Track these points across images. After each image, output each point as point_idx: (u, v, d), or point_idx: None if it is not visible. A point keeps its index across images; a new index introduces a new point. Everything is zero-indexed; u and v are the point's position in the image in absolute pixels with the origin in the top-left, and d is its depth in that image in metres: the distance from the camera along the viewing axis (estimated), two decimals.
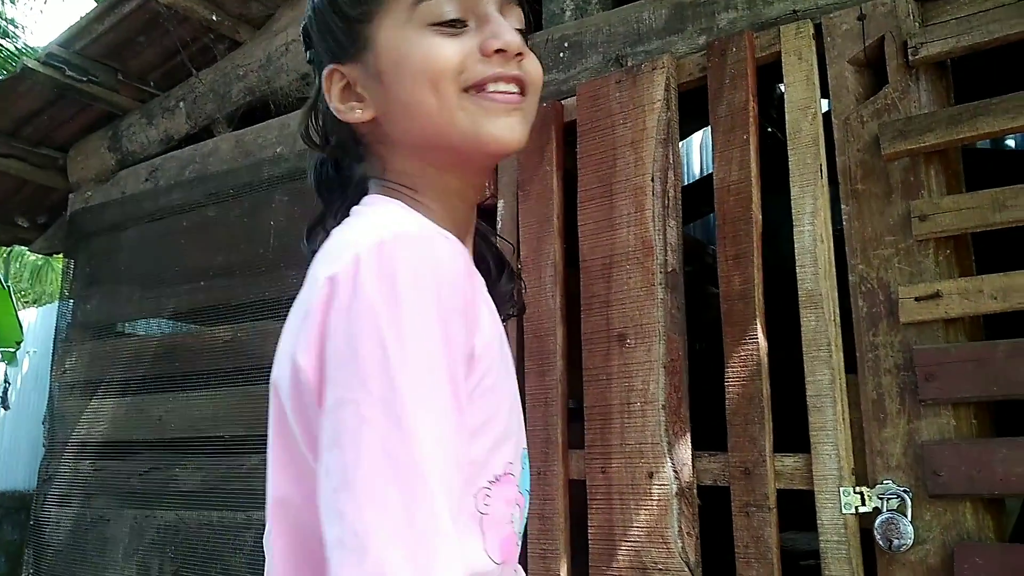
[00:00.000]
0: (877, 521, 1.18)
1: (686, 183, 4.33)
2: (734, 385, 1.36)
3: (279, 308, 2.06)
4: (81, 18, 2.46)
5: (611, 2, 1.78)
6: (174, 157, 2.51)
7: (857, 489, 1.22)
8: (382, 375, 0.56)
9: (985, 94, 1.23)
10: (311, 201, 1.95)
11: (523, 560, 1.49)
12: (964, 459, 1.16)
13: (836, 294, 1.32)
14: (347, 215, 0.71)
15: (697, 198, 2.49)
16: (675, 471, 1.39)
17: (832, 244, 1.33)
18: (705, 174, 3.79)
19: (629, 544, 1.41)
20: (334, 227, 0.68)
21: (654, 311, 1.47)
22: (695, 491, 1.38)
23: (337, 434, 0.56)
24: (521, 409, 0.75)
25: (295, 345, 0.60)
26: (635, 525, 1.41)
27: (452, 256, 0.64)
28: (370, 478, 0.55)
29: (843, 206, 1.34)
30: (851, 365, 1.29)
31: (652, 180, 1.51)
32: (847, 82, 1.37)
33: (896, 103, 1.31)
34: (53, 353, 2.69)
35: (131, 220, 2.57)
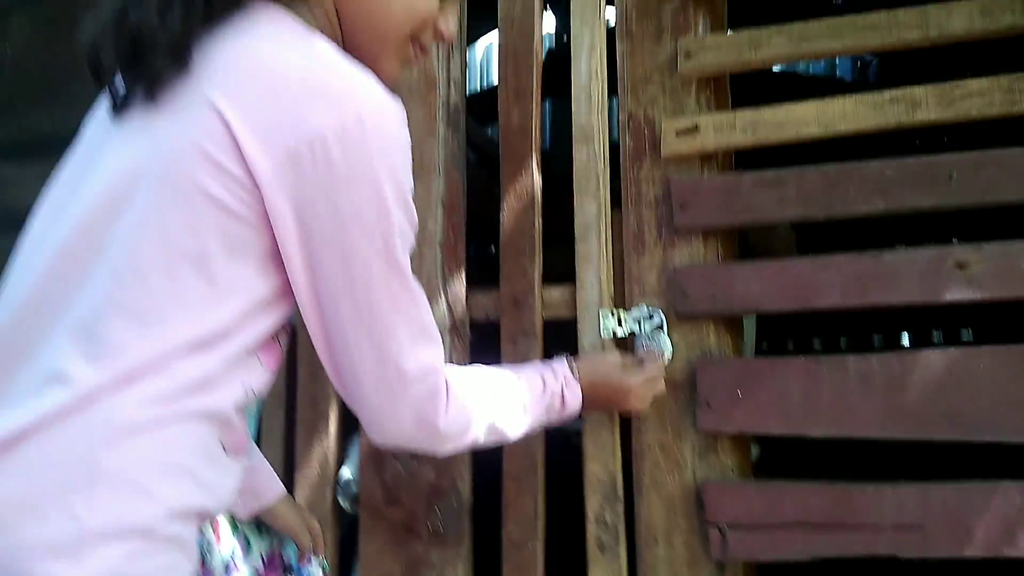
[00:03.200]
0: (638, 339, 1.23)
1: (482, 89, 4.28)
2: (508, 218, 1.35)
3: (14, 150, 1.79)
4: None
5: None
6: None
7: (614, 312, 1.26)
8: (388, 241, 0.70)
9: None
10: (57, 28, 1.67)
11: (289, 405, 1.42)
12: (709, 281, 1.22)
13: (607, 130, 1.33)
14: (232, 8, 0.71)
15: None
16: (448, 306, 1.37)
17: (606, 81, 1.34)
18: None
19: None
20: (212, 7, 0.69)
21: (435, 148, 1.41)
22: (468, 326, 1.37)
23: (355, 277, 0.70)
24: None
25: (250, 135, 0.65)
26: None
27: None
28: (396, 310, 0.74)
29: (618, 44, 1.34)
30: (616, 201, 1.32)
31: None
32: None
33: None
34: None
35: None
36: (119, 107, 0.72)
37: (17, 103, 1.80)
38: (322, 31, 0.76)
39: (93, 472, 0.63)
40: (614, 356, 1.16)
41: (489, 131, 3.12)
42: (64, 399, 0.63)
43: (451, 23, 0.84)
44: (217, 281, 0.67)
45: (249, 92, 0.67)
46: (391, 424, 0.78)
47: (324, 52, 0.71)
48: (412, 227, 0.75)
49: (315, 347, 0.76)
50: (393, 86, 0.75)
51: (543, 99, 1.40)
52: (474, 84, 4.36)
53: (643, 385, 1.12)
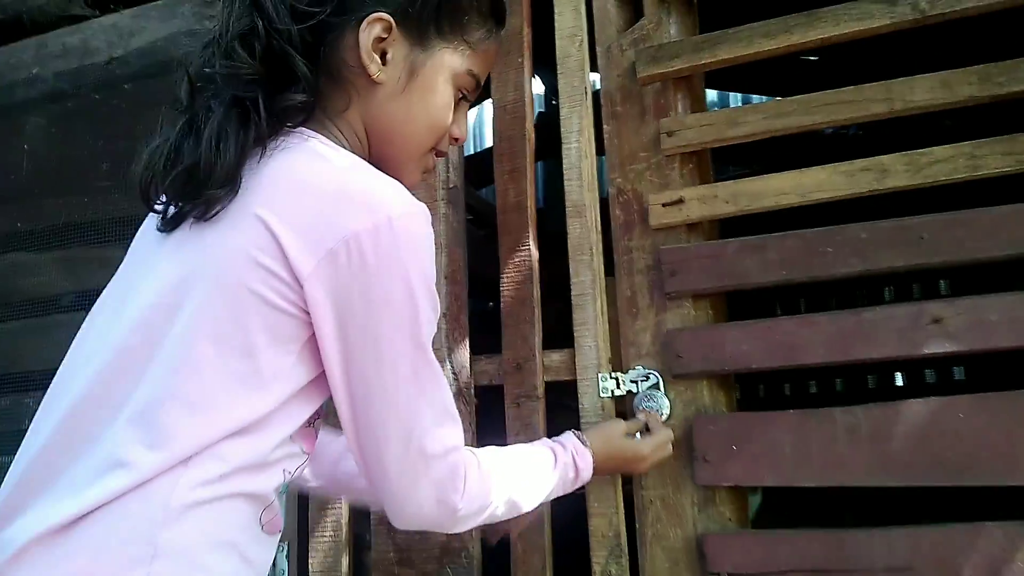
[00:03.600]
0: (636, 398, 1.29)
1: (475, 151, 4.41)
2: (508, 290, 1.43)
3: (32, 239, 1.87)
4: None
5: None
6: None
7: (612, 375, 1.32)
8: (415, 332, 0.77)
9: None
10: (75, 126, 1.82)
11: None
12: (700, 342, 1.29)
13: (598, 205, 1.42)
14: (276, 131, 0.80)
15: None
16: (454, 373, 1.44)
17: (595, 160, 1.44)
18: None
19: None
20: (263, 133, 0.78)
21: (437, 225, 1.49)
22: (472, 390, 1.43)
23: (383, 365, 0.77)
24: None
25: (294, 240, 0.73)
26: None
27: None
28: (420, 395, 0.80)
29: (605, 126, 1.44)
30: (610, 268, 1.40)
31: None
32: (609, 14, 1.47)
33: (651, 34, 1.43)
34: None
35: None
36: (170, 224, 0.80)
37: (34, 195, 1.88)
38: (352, 149, 0.85)
39: (154, 549, 0.69)
40: (620, 425, 1.20)
41: (484, 192, 3.24)
42: (126, 482, 0.70)
43: (463, 128, 0.93)
44: (262, 371, 0.74)
45: (290, 203, 0.75)
46: (412, 505, 0.82)
47: (355, 163, 0.80)
48: (435, 314, 0.81)
49: (344, 432, 0.81)
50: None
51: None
52: (468, 146, 4.49)
53: (654, 452, 1.18)
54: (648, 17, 1.44)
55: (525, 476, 0.99)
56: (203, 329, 0.73)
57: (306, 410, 0.81)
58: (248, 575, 0.78)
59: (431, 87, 0.87)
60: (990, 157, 1.20)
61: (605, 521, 1.28)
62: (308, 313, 0.75)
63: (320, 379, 0.80)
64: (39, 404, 0.82)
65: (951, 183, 1.23)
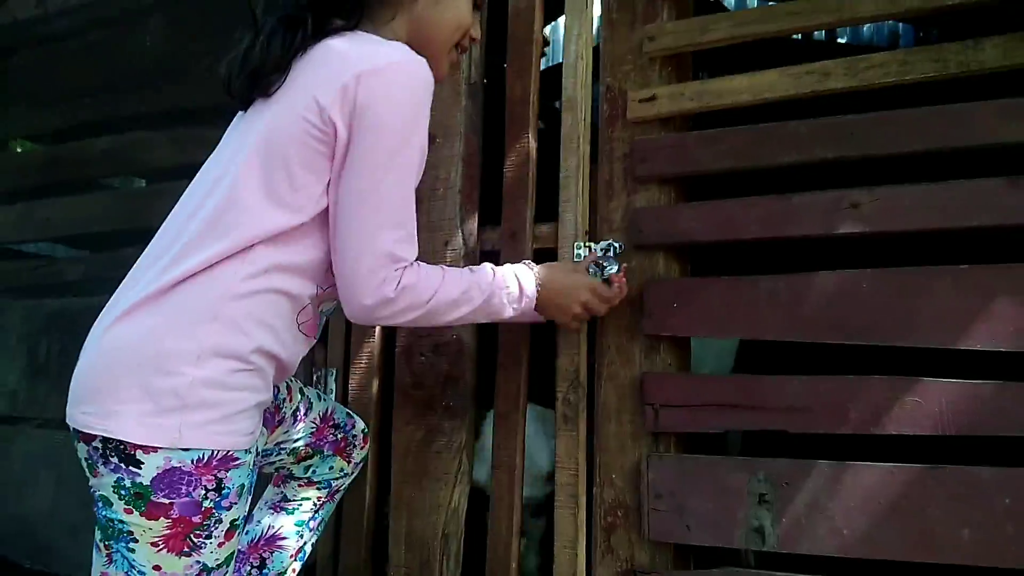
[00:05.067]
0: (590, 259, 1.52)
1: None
2: (510, 171, 1.67)
3: (153, 120, 2.26)
4: None
5: None
6: None
7: (586, 244, 1.56)
8: (402, 158, 1.04)
9: None
10: (188, 24, 2.22)
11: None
12: (658, 219, 1.51)
13: (590, 101, 1.63)
14: (323, 36, 1.08)
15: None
16: (463, 240, 1.71)
17: (591, 61, 1.63)
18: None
19: None
20: (307, 39, 1.08)
21: (458, 115, 1.75)
22: (477, 254, 1.71)
23: (365, 171, 1.03)
24: None
25: (322, 95, 1.02)
26: None
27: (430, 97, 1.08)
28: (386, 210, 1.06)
29: (602, 31, 1.64)
30: (595, 156, 1.62)
31: None
32: None
33: None
34: None
35: (20, 44, 2.65)
36: (245, 104, 1.11)
37: (154, 83, 2.26)
38: (393, 38, 1.13)
39: (213, 315, 1.01)
40: (575, 264, 1.42)
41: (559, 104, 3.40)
42: (202, 261, 1.01)
43: (477, 28, 1.22)
44: (297, 187, 1.03)
45: (324, 70, 1.04)
46: (354, 294, 1.05)
47: (373, 38, 1.08)
48: (421, 153, 1.08)
49: (330, 237, 1.07)
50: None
51: None
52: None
53: (595, 285, 1.34)
54: None
55: (453, 288, 1.16)
56: (255, 162, 1.04)
57: (327, 234, 1.08)
58: (278, 349, 1.07)
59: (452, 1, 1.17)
60: (919, 63, 1.34)
61: (569, 359, 1.55)
62: (333, 147, 1.03)
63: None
64: None
65: (884, 86, 1.37)
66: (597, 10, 1.65)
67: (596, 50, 1.63)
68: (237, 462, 1.03)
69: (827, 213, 1.38)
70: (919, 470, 1.29)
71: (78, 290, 2.35)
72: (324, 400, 1.46)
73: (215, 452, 1.00)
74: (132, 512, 0.98)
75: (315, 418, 1.41)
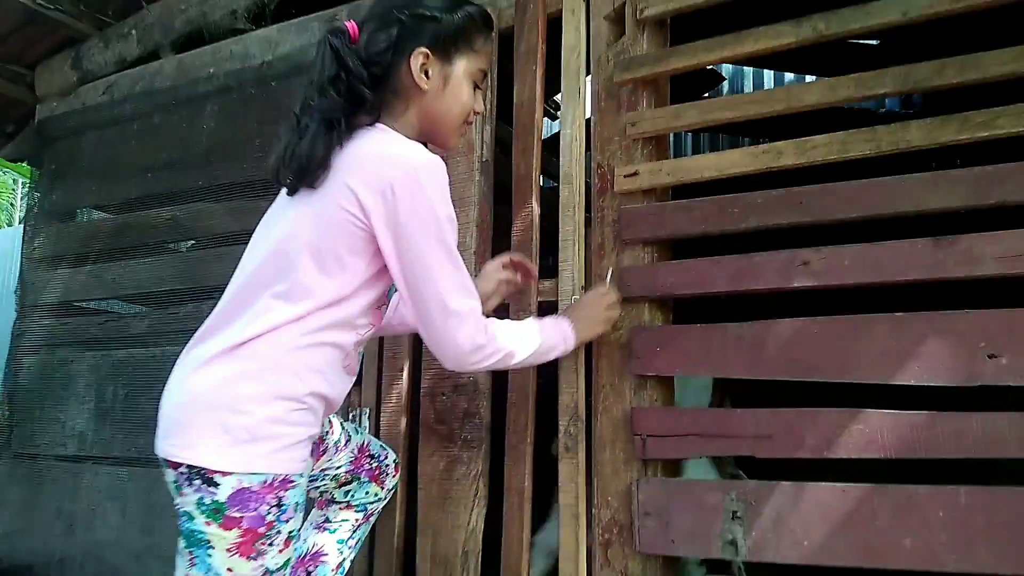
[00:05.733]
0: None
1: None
2: (517, 235, 1.93)
3: (209, 193, 2.56)
4: None
5: None
6: (126, 75, 2.93)
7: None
8: (446, 231, 1.25)
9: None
10: (238, 111, 2.65)
11: (379, 361, 2.04)
12: (641, 275, 1.75)
13: (584, 175, 1.89)
14: (353, 131, 1.28)
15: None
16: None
17: (584, 142, 1.90)
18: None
19: None
20: (342, 137, 1.27)
21: (472, 188, 2.03)
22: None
23: (433, 258, 1.25)
24: None
25: (363, 195, 1.22)
26: None
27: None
28: (450, 277, 1.28)
29: (592, 117, 1.91)
30: (588, 221, 1.87)
31: None
32: (601, 32, 1.92)
33: (629, 47, 1.87)
34: (22, 241, 3.12)
35: (90, 127, 2.98)
36: (293, 191, 1.31)
37: (212, 161, 2.57)
38: (408, 135, 1.31)
39: (276, 365, 1.23)
40: (591, 298, 1.69)
41: None
42: (267, 327, 1.23)
43: (480, 104, 1.40)
44: (345, 267, 1.26)
45: (360, 168, 1.23)
46: (450, 347, 1.28)
47: (399, 139, 1.28)
48: (453, 226, 1.26)
49: (404, 303, 1.32)
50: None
51: None
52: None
53: (599, 299, 1.65)
54: (628, 35, 1.88)
55: (521, 334, 1.41)
56: (309, 248, 1.25)
57: (372, 294, 1.31)
58: (327, 390, 1.30)
59: (458, 86, 1.35)
60: (856, 143, 1.58)
61: (570, 396, 1.79)
62: (374, 235, 1.24)
63: (381, 274, 1.28)
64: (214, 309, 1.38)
65: (827, 163, 1.61)
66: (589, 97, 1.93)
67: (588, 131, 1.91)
68: (293, 484, 1.24)
69: (783, 269, 1.61)
70: (867, 488, 1.50)
71: (141, 342, 2.63)
72: (360, 433, 1.69)
73: (277, 476, 1.21)
74: (211, 524, 1.18)
75: (353, 448, 1.62)
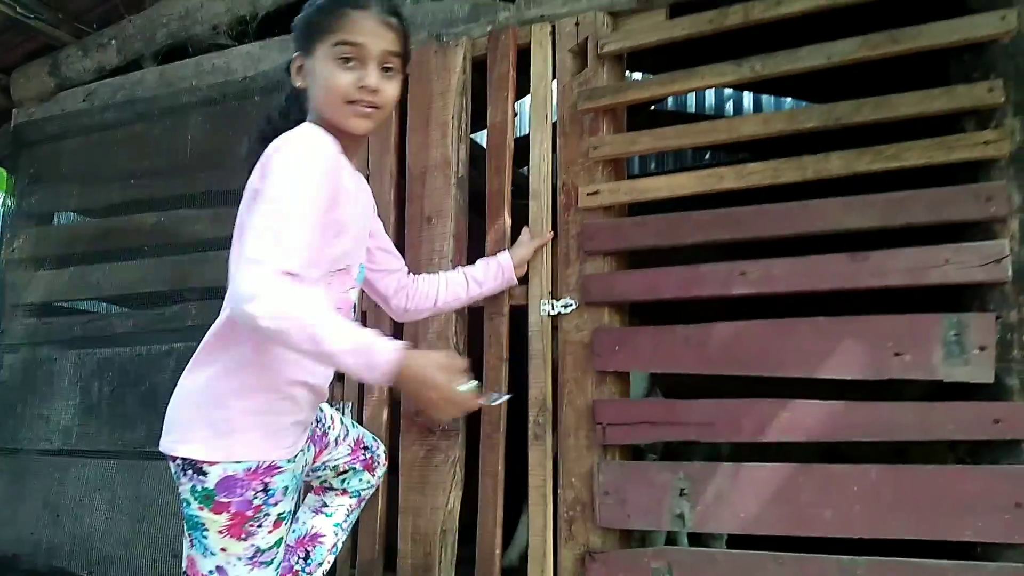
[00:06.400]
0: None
1: None
2: (490, 245, 2.12)
3: (193, 200, 2.69)
4: None
5: None
6: (107, 84, 3.02)
7: (550, 301, 2.01)
8: (284, 195, 1.19)
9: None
10: (221, 123, 2.85)
11: None
12: (602, 283, 1.96)
13: (551, 192, 2.09)
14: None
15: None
16: None
17: (552, 162, 2.10)
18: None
19: (427, 343, 2.17)
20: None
21: (449, 201, 2.21)
22: (466, 310, 2.15)
23: (258, 215, 1.18)
24: (364, 241, 1.49)
25: (255, 177, 1.26)
26: (430, 331, 2.17)
27: (328, 152, 1.27)
28: (263, 232, 1.17)
29: (558, 140, 2.11)
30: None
31: (452, 118, 2.23)
32: (566, 64, 2.12)
33: (590, 79, 2.07)
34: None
35: (70, 132, 3.06)
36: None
37: (195, 170, 2.69)
38: (322, 127, 1.32)
39: (251, 360, 1.29)
40: (445, 358, 1.22)
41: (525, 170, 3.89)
42: (233, 322, 1.32)
43: (369, 79, 1.31)
44: None
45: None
46: (234, 290, 1.15)
47: (296, 129, 1.28)
48: (310, 193, 1.20)
49: None
50: (365, 132, 1.34)
51: None
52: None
53: (449, 391, 1.20)
54: (590, 68, 2.08)
55: (321, 321, 1.15)
56: (239, 241, 1.31)
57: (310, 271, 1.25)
58: (308, 378, 1.34)
59: (321, 72, 1.33)
60: (786, 171, 1.82)
61: (538, 389, 1.99)
62: None
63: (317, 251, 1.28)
64: (198, 310, 1.49)
65: (762, 186, 1.84)
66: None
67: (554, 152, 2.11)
68: (280, 469, 1.31)
69: (724, 279, 1.84)
70: (794, 467, 1.74)
71: (126, 341, 2.74)
72: (356, 428, 1.83)
73: (262, 463, 1.28)
74: (204, 509, 1.26)
75: (351, 442, 1.71)
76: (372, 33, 1.32)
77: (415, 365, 1.18)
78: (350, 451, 1.71)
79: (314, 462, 1.62)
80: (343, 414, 1.99)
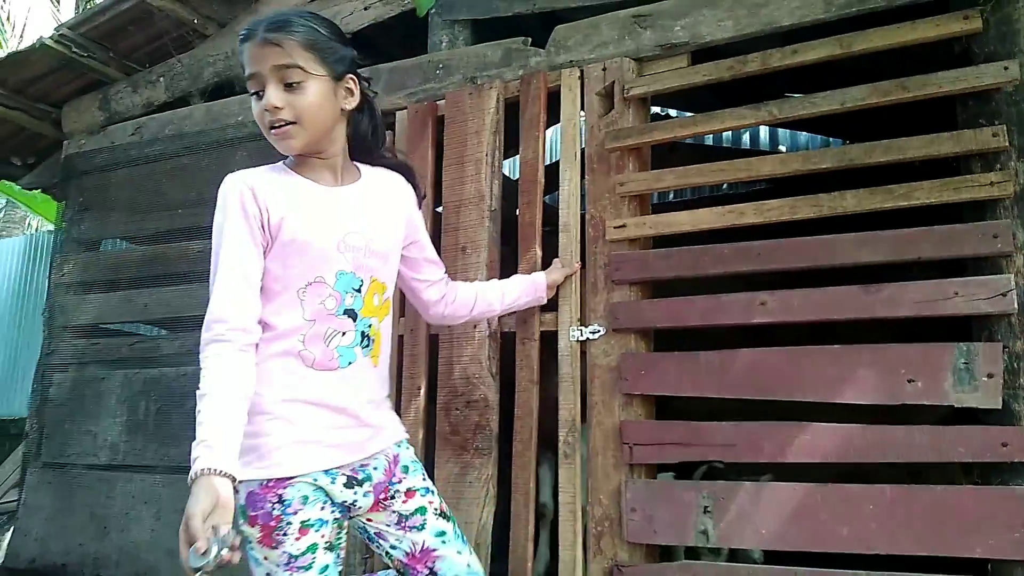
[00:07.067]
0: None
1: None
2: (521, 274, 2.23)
3: None
4: (87, 8, 3.08)
5: (471, 40, 2.60)
6: (155, 119, 3.17)
7: (578, 327, 2.12)
8: (215, 249, 1.39)
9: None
10: (266, 156, 2.97)
11: (399, 381, 2.31)
12: (629, 311, 2.07)
13: (579, 224, 2.20)
14: None
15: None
16: (488, 323, 2.26)
17: (580, 197, 2.22)
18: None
19: (461, 366, 2.27)
20: None
21: (483, 233, 2.32)
22: (499, 335, 2.26)
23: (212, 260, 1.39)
24: (350, 249, 1.46)
25: None
26: (464, 355, 2.27)
27: (237, 190, 1.41)
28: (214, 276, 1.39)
29: (586, 176, 2.22)
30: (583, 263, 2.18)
31: (486, 155, 2.35)
32: (594, 106, 2.24)
33: (617, 120, 2.19)
34: (50, 268, 3.32)
35: (119, 164, 3.20)
36: None
37: None
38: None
39: (253, 390, 1.38)
40: (218, 491, 1.20)
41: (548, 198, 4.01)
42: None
43: (268, 99, 1.38)
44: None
45: None
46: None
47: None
48: (226, 237, 1.37)
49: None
50: (293, 151, 1.44)
51: None
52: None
53: (191, 527, 1.15)
54: (616, 109, 2.20)
55: (207, 399, 1.29)
56: None
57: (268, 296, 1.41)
58: (302, 395, 1.40)
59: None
60: (803, 207, 1.92)
61: (568, 411, 2.09)
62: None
63: (268, 281, 1.41)
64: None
65: (780, 222, 1.95)
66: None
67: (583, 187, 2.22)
68: (291, 480, 1.37)
69: (744, 308, 1.94)
70: (812, 487, 1.83)
71: (171, 362, 2.86)
72: (448, 543, 1.52)
73: (272, 478, 1.36)
74: (243, 523, 1.36)
75: (415, 541, 1.51)
76: (258, 58, 1.38)
77: (195, 492, 1.19)
78: (410, 551, 1.52)
79: (371, 509, 1.51)
80: (445, 518, 1.58)
